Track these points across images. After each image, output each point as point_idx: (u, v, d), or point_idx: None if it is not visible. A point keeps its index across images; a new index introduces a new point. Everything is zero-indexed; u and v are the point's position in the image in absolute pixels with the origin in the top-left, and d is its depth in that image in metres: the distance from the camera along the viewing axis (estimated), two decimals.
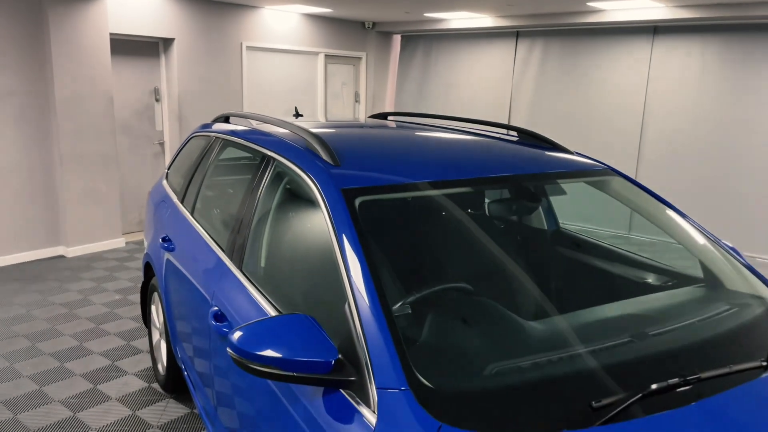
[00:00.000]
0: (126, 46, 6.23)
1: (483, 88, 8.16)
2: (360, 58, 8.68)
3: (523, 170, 2.18)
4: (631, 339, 1.67)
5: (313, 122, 2.80)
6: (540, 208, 2.82)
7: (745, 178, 6.37)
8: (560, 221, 2.86)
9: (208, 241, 2.54)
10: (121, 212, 6.13)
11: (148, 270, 3.43)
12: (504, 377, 1.46)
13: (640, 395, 1.36)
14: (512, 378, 1.45)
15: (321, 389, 1.53)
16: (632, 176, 7.10)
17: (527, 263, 2.13)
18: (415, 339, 1.58)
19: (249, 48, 7.15)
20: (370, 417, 1.37)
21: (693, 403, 1.38)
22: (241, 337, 1.48)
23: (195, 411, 3.14)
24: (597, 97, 7.26)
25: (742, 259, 2.24)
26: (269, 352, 1.44)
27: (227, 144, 2.85)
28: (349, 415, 1.42)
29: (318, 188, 1.87)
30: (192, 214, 2.90)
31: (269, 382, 1.75)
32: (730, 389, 1.45)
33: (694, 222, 2.30)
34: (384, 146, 2.34)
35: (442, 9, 6.82)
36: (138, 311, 4.43)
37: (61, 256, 5.73)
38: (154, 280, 3.31)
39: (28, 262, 5.52)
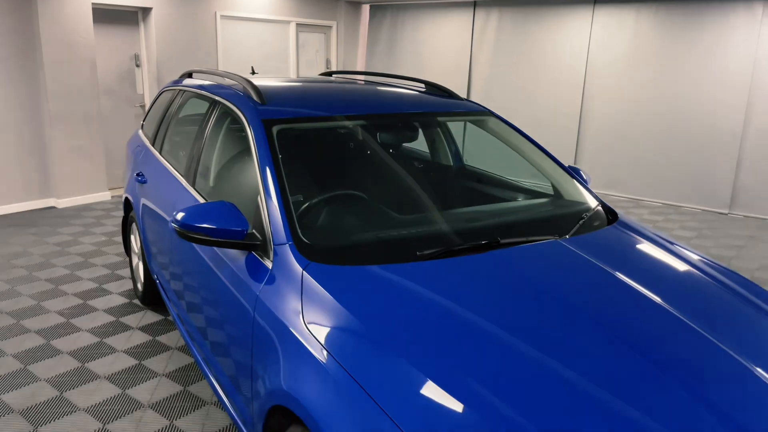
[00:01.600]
0: (107, 15, 6.75)
1: (445, 57, 8.75)
2: (330, 27, 9.21)
3: (411, 109, 2.84)
4: (467, 222, 2.35)
5: (263, 77, 3.43)
6: (446, 145, 3.47)
7: (682, 142, 7.06)
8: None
9: (170, 171, 3.19)
10: (106, 168, 6.73)
11: (127, 206, 4.07)
12: (357, 238, 2.14)
13: (445, 249, 2.05)
14: (363, 238, 2.14)
15: (243, 256, 2.19)
16: (575, 140, 7.77)
17: (407, 179, 2.79)
18: (301, 217, 2.22)
19: (223, 17, 7.68)
20: (269, 264, 2.04)
21: (486, 252, 2.07)
22: (183, 216, 2.13)
23: (169, 318, 3.81)
24: (543, 67, 7.88)
25: (580, 177, 2.93)
26: (203, 225, 2.09)
27: (189, 94, 3.47)
28: (256, 266, 2.09)
29: (247, 120, 2.51)
30: (160, 152, 3.53)
31: (205, 258, 2.42)
32: (518, 246, 2.14)
33: (548, 153, 2.97)
34: (306, 93, 2.98)
35: None
36: (121, 248, 5.07)
37: (53, 207, 6.35)
38: (132, 214, 3.95)
39: (22, 212, 6.13)
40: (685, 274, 2.17)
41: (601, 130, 7.60)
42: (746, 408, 1.49)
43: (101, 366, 3.22)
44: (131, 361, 3.28)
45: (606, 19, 7.33)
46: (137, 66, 7.16)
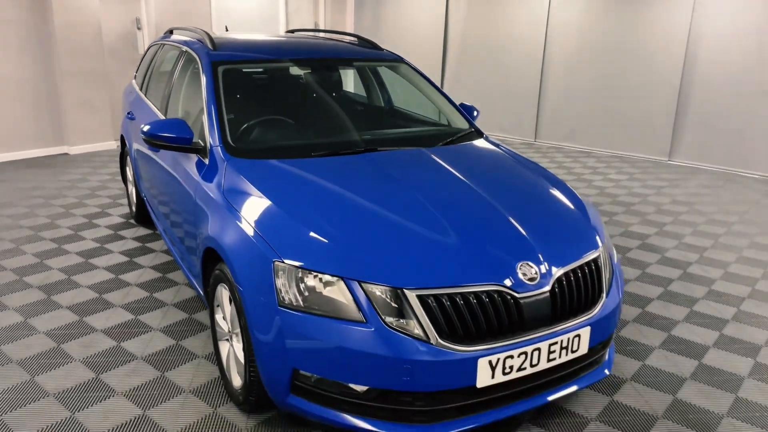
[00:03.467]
0: None
1: (423, 24, 9.45)
2: None
3: (333, 56, 3.66)
4: (357, 136, 3.19)
5: (231, 34, 4.24)
6: (378, 91, 4.28)
7: (627, 96, 7.75)
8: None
9: (151, 106, 4.05)
10: (112, 121, 7.61)
11: (123, 142, 4.94)
12: (266, 143, 3.03)
13: (332, 151, 2.90)
14: (271, 143, 3.02)
15: (192, 161, 3.05)
16: (537, 97, 8.49)
17: (322, 108, 3.62)
18: (231, 129, 3.04)
19: None
20: (206, 161, 2.90)
21: (363, 153, 2.91)
22: (149, 128, 2.98)
23: (156, 232, 4.70)
24: (508, 31, 8.56)
25: (467, 112, 3.73)
26: (162, 134, 2.94)
27: (168, 47, 4.30)
28: (199, 164, 2.95)
29: (200, 62, 3.35)
30: (145, 95, 4.39)
31: (171, 171, 3.28)
32: (390, 151, 2.98)
33: (444, 93, 3.77)
34: (252, 43, 3.80)
35: None
36: (123, 184, 5.97)
37: (66, 153, 7.27)
38: (126, 148, 4.82)
39: (39, 157, 7.06)
40: (497, 166, 3.07)
41: (558, 87, 8.31)
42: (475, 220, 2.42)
43: (101, 261, 4.13)
44: (124, 258, 4.18)
45: None
46: (138, 29, 7.97)
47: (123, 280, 3.84)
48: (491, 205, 2.56)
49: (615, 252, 2.78)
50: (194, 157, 3.04)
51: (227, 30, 5.02)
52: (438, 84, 9.43)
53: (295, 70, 3.67)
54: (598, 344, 2.44)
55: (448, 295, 2.11)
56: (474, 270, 2.18)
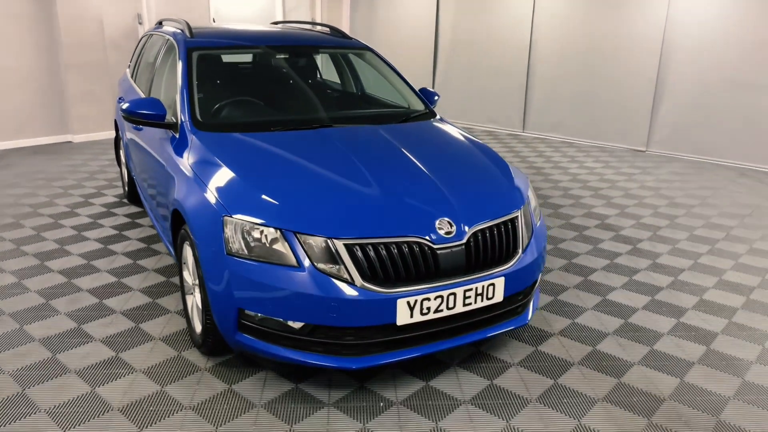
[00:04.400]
0: None
1: (414, 19, 9.76)
2: None
3: (303, 43, 3.99)
4: (316, 114, 3.52)
5: (217, 24, 4.58)
6: (350, 78, 4.59)
7: (608, 89, 8.01)
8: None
9: (137, 90, 4.40)
10: (113, 110, 7.99)
11: (117, 127, 5.30)
12: (231, 119, 3.38)
13: (290, 127, 3.23)
14: (235, 119, 3.35)
15: (167, 136, 3.39)
16: (524, 89, 8.76)
17: (287, 90, 3.94)
18: (200, 107, 3.37)
19: None
20: (177, 135, 3.24)
21: (318, 129, 3.24)
22: (127, 106, 3.32)
23: (145, 210, 5.06)
24: (495, 26, 8.85)
25: (426, 96, 4.04)
26: (139, 111, 3.29)
27: (155, 37, 4.65)
28: (172, 138, 3.29)
29: (177, 48, 3.69)
30: (135, 81, 4.74)
31: (148, 148, 3.62)
32: (342, 127, 3.30)
33: (405, 78, 4.08)
34: (229, 33, 4.13)
35: None
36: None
37: (69, 141, 7.67)
38: (119, 133, 5.18)
39: (44, 144, 7.46)
40: (438, 140, 3.41)
41: (544, 79, 8.59)
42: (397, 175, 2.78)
43: (92, 234, 4.49)
44: (114, 232, 4.54)
45: None
46: (140, 24, 8.35)
47: (111, 249, 4.20)
48: (420, 170, 2.88)
49: (540, 215, 3.09)
50: (169, 134, 3.38)
51: (214, 21, 5.36)
52: (431, 77, 9.76)
53: (264, 56, 4.00)
54: (515, 294, 2.75)
55: (372, 244, 2.43)
56: (396, 224, 2.50)
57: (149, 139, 3.70)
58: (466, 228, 2.58)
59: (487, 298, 2.62)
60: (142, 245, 4.28)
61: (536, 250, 2.84)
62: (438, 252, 2.50)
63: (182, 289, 3.12)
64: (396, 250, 2.45)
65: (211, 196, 2.65)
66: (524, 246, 2.78)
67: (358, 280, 2.39)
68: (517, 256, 2.72)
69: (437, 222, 2.55)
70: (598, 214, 5.21)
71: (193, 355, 2.92)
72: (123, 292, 3.56)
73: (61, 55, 7.37)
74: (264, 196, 2.58)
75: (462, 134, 3.54)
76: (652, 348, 3.08)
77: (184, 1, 8.50)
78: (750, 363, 2.96)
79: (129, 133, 4.54)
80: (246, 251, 2.47)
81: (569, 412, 2.57)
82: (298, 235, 2.43)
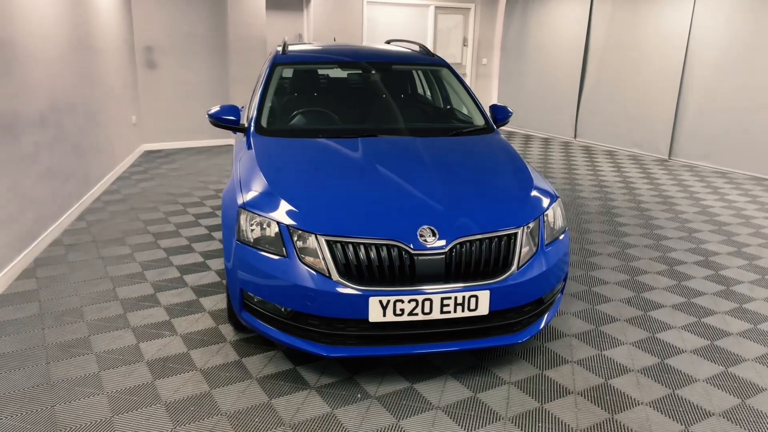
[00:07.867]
0: (278, 2, 8.95)
1: (564, 35, 9.50)
2: (469, 9, 10.47)
3: (383, 60, 4.28)
4: (372, 125, 3.77)
5: (310, 43, 5.09)
6: (438, 92, 4.77)
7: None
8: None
9: (250, 101, 5.04)
10: None
11: None
12: (288, 127, 3.74)
13: (334, 135, 3.53)
14: (292, 127, 3.71)
15: (244, 140, 3.88)
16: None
17: (359, 103, 4.21)
18: (269, 116, 3.81)
19: (369, 2, 9.46)
20: (245, 138, 3.71)
21: (356, 138, 3.50)
22: (213, 112, 3.88)
23: None
24: (649, 34, 8.32)
25: (494, 112, 4.08)
26: (220, 117, 3.82)
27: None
28: (247, 139, 3.77)
29: (270, 62, 4.20)
30: (252, 94, 5.41)
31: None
32: (383, 137, 3.52)
33: (473, 94, 4.16)
34: (321, 50, 4.55)
35: None
36: None
37: (230, 144, 8.81)
38: None
39: (207, 146, 8.67)
40: (472, 152, 3.48)
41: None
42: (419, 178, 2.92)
43: (206, 222, 5.21)
44: None
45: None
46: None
47: (213, 237, 4.86)
48: (429, 180, 3.00)
49: (566, 235, 3.01)
50: (244, 138, 3.88)
51: (335, 40, 5.88)
52: (577, 87, 9.39)
53: (343, 71, 4.37)
54: (506, 310, 2.73)
55: (352, 243, 2.62)
56: (380, 227, 2.66)
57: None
58: (449, 238, 2.65)
59: (470, 309, 2.65)
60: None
61: (540, 269, 2.78)
62: (416, 258, 2.60)
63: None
64: (375, 252, 2.60)
65: (239, 190, 3.04)
66: (521, 263, 2.75)
67: (335, 274, 2.59)
68: (509, 272, 2.70)
69: (420, 229, 2.66)
70: (697, 239, 4.71)
71: (227, 330, 3.34)
72: (200, 271, 4.13)
73: (228, 70, 8.51)
74: (276, 194, 2.90)
75: (504, 149, 3.54)
76: (673, 391, 2.81)
77: (339, 21, 9.28)
78: None
79: None
80: (251, 239, 2.81)
81: None
82: (291, 229, 2.71)
